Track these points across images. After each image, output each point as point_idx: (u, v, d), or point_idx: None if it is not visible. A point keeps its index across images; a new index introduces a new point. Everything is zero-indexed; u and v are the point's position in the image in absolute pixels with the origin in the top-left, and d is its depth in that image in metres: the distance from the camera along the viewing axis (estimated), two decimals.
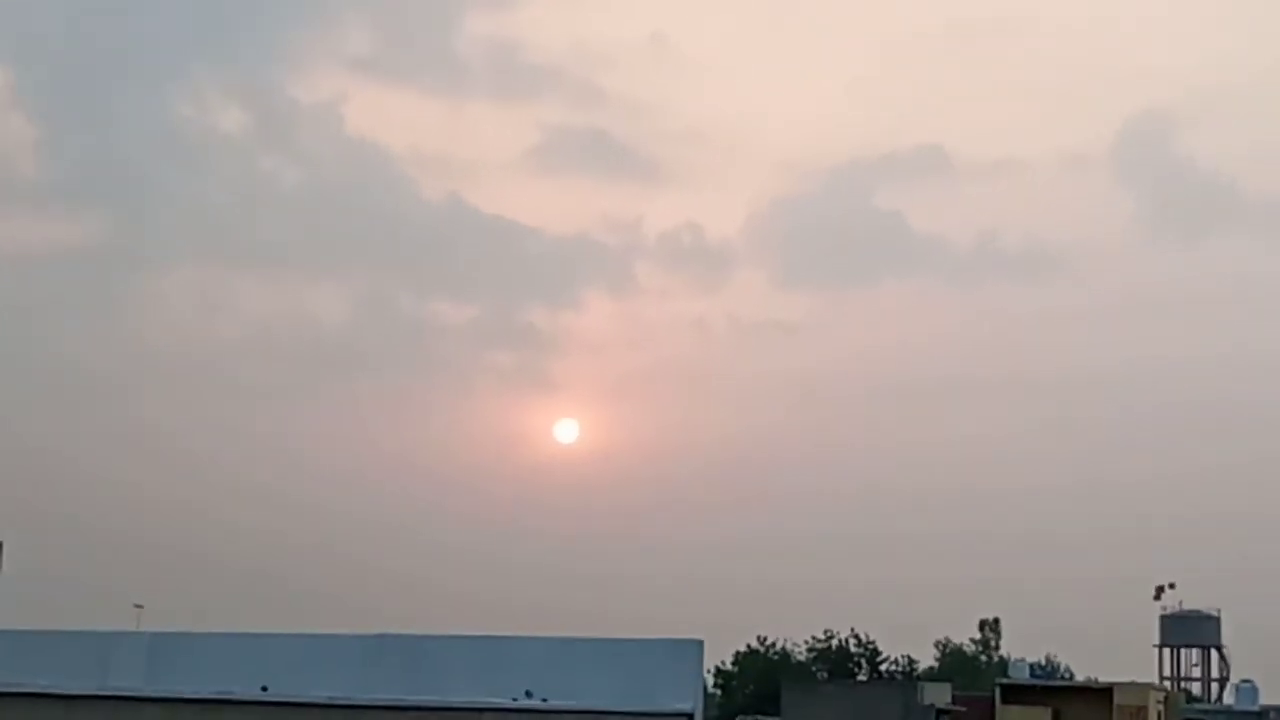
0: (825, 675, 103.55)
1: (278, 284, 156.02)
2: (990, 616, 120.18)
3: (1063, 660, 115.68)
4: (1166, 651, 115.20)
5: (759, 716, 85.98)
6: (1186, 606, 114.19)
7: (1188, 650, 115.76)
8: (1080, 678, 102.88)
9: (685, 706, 30.65)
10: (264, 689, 25.03)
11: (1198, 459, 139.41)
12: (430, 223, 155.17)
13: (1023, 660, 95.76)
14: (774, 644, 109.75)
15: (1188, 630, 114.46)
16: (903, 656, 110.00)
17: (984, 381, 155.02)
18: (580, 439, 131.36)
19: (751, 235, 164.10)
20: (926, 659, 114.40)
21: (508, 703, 28.17)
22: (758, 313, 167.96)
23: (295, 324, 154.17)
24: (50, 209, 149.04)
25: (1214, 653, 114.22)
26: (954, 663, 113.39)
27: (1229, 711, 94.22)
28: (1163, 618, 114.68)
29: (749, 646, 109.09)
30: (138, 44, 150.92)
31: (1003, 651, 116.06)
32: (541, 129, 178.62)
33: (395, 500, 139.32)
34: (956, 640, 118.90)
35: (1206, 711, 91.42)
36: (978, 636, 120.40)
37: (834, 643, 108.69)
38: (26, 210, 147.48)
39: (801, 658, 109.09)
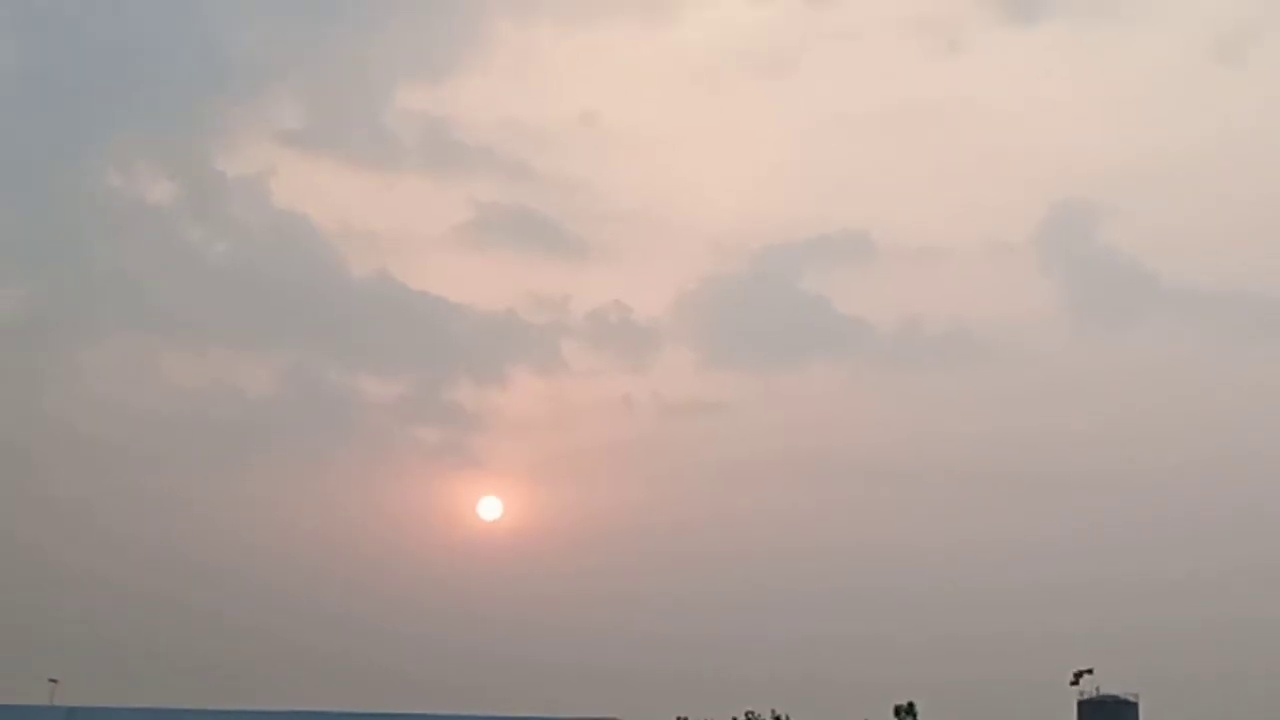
0: None
1: (203, 356, 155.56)
2: (905, 702, 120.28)
3: None
4: None
5: None
6: (1104, 692, 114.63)
7: None
8: None
9: None
10: None
11: (1118, 543, 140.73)
12: (358, 297, 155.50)
13: None
14: None
15: (1105, 716, 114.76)
16: None
17: (909, 468, 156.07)
18: (504, 516, 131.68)
19: (679, 315, 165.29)
20: None
21: None
22: (684, 393, 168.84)
23: (220, 397, 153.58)
24: None
25: None
26: None
27: None
28: (1080, 703, 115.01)
29: None
30: (68, 115, 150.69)
31: None
32: (471, 206, 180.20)
33: (317, 575, 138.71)
34: None
35: None
36: None
37: None
38: None
39: None
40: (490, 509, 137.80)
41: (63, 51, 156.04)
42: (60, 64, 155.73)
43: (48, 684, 54.63)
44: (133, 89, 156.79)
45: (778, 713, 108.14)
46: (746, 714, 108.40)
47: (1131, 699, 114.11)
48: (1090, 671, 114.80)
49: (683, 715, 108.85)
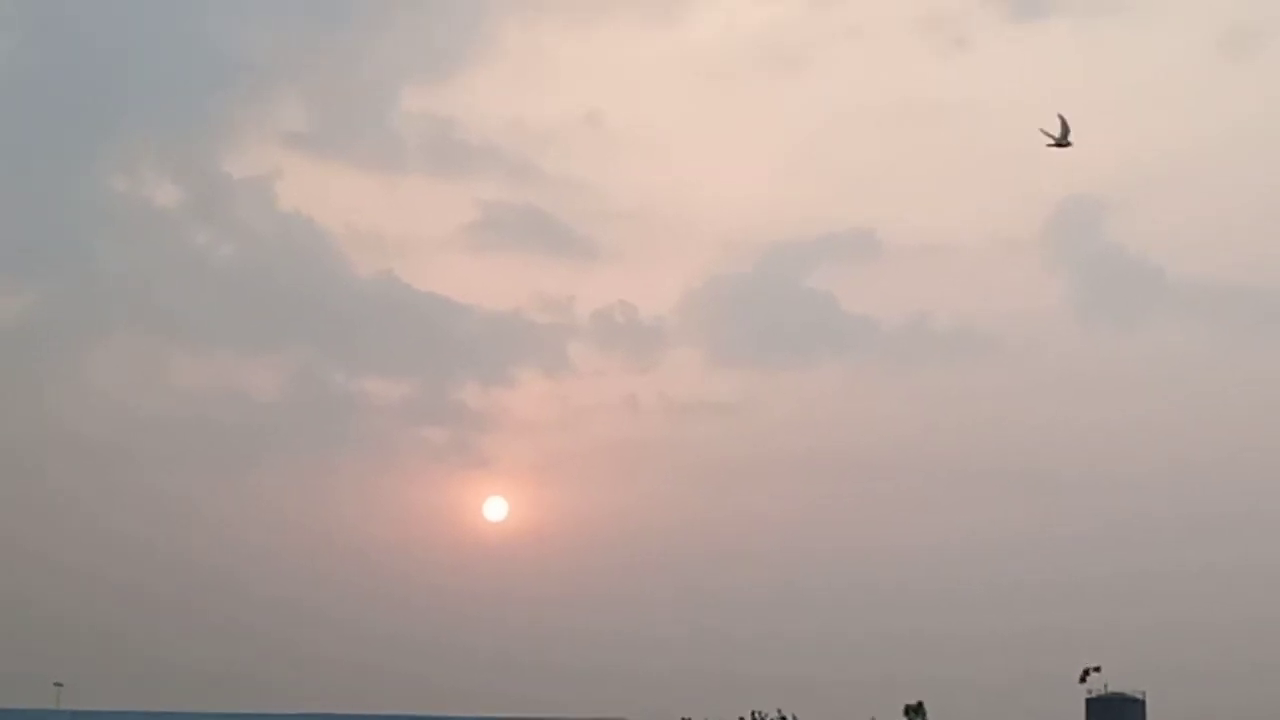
0: None
1: (209, 358, 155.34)
2: (914, 701, 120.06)
3: None
4: None
5: None
6: (1112, 689, 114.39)
7: None
8: None
9: None
10: None
11: (1127, 542, 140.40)
12: (363, 299, 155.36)
13: None
14: None
15: (1113, 713, 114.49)
16: None
17: (916, 467, 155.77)
18: (510, 516, 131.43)
19: (685, 314, 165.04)
20: None
21: None
22: (690, 392, 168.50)
23: (226, 398, 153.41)
24: None
25: None
26: None
27: None
28: (1088, 700, 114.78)
29: None
30: (73, 118, 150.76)
31: None
32: (477, 206, 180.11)
33: (323, 577, 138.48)
34: None
35: None
36: None
37: None
38: None
39: None
40: (496, 509, 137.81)
41: (68, 53, 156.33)
42: (65, 66, 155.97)
43: (53, 688, 54.68)
44: (138, 91, 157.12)
45: (784, 713, 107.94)
46: (753, 713, 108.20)
47: (1139, 696, 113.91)
48: (1098, 669, 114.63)
49: (687, 716, 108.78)
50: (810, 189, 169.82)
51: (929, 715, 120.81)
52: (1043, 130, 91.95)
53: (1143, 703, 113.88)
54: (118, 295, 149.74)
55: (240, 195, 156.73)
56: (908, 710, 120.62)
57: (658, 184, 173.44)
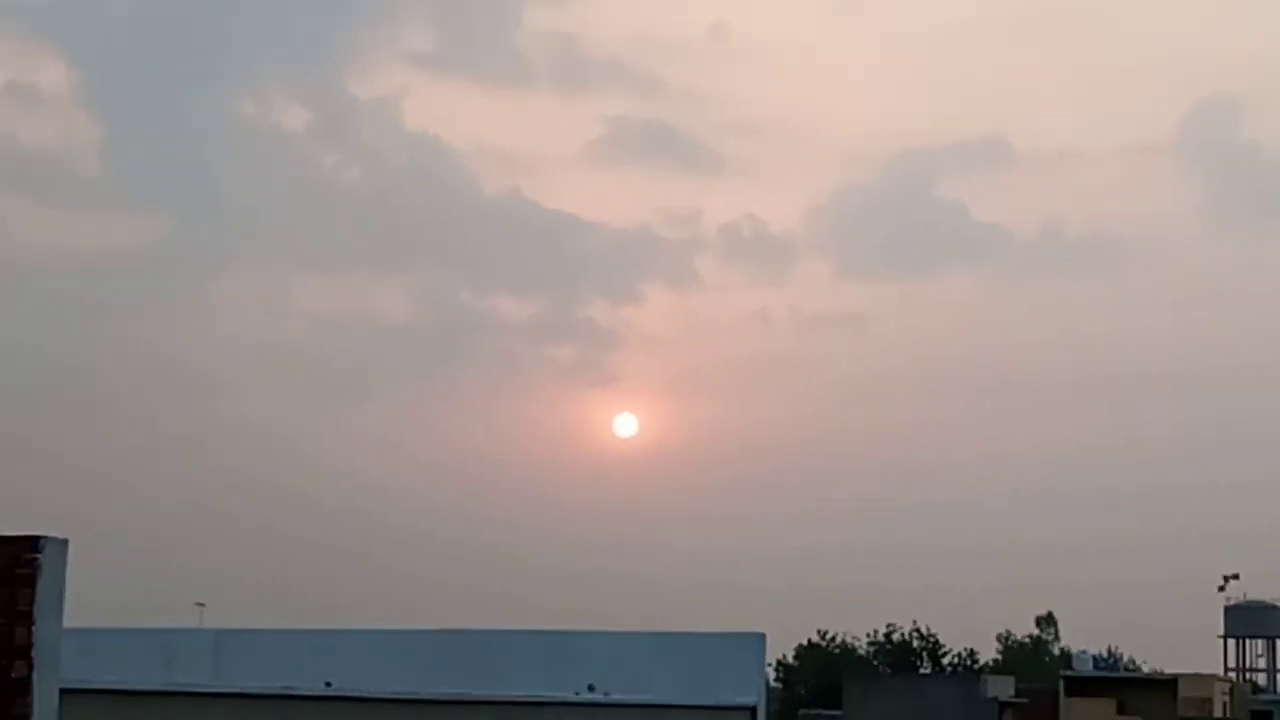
0: (887, 669, 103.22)
1: (340, 282, 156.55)
2: (1044, 611, 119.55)
3: (1126, 652, 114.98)
4: (1231, 643, 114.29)
5: (821, 710, 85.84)
6: (1251, 597, 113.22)
7: (1252, 641, 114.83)
8: (1145, 670, 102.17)
9: (748, 700, 30.55)
10: (328, 684, 25.05)
11: (1265, 452, 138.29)
12: (491, 218, 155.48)
13: (1085, 652, 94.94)
14: (835, 638, 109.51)
15: (1252, 621, 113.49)
16: (965, 650, 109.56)
17: (1050, 375, 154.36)
18: (639, 433, 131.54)
19: (813, 227, 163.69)
20: (989, 652, 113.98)
21: (570, 696, 28.12)
22: (820, 305, 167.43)
23: (357, 321, 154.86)
24: (114, 209, 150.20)
25: (1279, 643, 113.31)
26: (1016, 656, 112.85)
27: None
28: (1227, 609, 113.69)
29: (810, 641, 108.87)
30: (200, 43, 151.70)
31: (1066, 644, 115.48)
32: (602, 122, 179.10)
33: (454, 495, 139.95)
34: (1018, 634, 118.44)
35: (1272, 702, 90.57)
36: (1034, 633, 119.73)
37: (895, 637, 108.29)
38: (91, 210, 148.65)
39: (863, 652, 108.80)
40: (626, 426, 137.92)
41: None
42: None
43: (194, 607, 55.85)
44: (262, 15, 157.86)
45: (918, 625, 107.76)
46: (888, 625, 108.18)
47: (1279, 604, 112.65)
48: (1236, 577, 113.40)
49: (823, 628, 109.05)
50: (939, 97, 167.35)
51: (1060, 626, 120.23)
52: None
53: None
54: (245, 221, 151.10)
55: (367, 117, 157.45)
56: (1039, 622, 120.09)
57: (784, 95, 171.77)
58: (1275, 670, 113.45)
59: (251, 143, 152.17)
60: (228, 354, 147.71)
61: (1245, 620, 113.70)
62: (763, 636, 32.74)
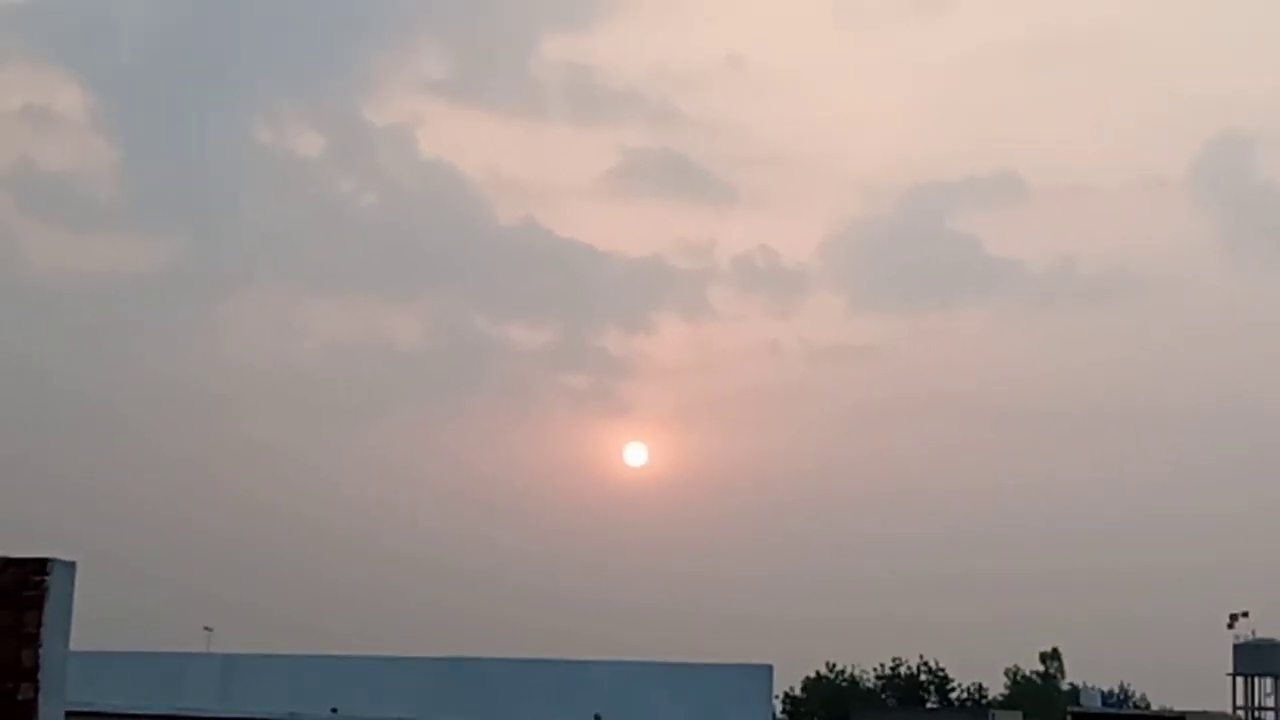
0: (894, 703, 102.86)
1: (353, 307, 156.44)
2: (1049, 648, 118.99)
3: (1136, 689, 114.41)
4: (1240, 681, 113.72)
5: None
6: (1260, 635, 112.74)
7: (1261, 679, 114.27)
8: (1154, 707, 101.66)
9: None
10: (334, 710, 25.02)
11: (1275, 488, 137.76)
12: (505, 246, 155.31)
13: (1095, 689, 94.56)
14: (842, 670, 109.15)
15: (1261, 659, 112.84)
16: (973, 685, 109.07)
17: (1062, 409, 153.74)
18: (650, 463, 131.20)
19: (826, 258, 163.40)
20: (997, 687, 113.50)
21: None
22: (832, 336, 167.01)
23: (370, 347, 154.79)
24: (128, 232, 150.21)
25: None
26: (1024, 691, 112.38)
27: None
28: (1236, 646, 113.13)
29: (817, 673, 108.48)
30: (215, 68, 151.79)
31: (1071, 680, 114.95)
32: (617, 152, 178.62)
33: (464, 522, 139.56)
34: (1026, 669, 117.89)
35: None
36: (1040, 668, 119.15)
37: (903, 670, 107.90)
38: (104, 233, 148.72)
39: (870, 684, 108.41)
40: (636, 455, 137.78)
41: (208, 3, 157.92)
42: (205, 16, 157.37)
43: (202, 631, 55.91)
44: (278, 40, 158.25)
45: (925, 658, 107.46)
46: (894, 659, 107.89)
47: None
48: (1246, 614, 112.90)
49: (831, 660, 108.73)
50: (953, 130, 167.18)
51: (1065, 661, 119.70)
52: None
53: None
54: (259, 245, 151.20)
55: (381, 143, 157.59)
56: (1043, 657, 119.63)
57: (799, 127, 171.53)
58: None
59: (266, 167, 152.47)
60: (239, 377, 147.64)
61: (1254, 658, 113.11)
62: (770, 668, 32.69)
